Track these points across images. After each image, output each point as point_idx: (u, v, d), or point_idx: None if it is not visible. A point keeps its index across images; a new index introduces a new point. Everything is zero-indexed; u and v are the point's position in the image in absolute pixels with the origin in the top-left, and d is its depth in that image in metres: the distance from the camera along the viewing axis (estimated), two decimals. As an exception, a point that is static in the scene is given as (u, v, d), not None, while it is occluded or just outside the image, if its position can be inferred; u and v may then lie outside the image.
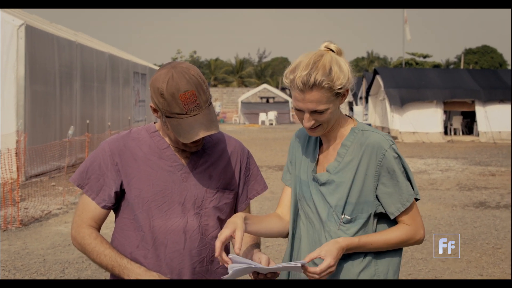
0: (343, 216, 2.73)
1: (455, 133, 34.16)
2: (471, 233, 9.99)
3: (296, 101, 2.70)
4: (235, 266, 2.53)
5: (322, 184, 2.79)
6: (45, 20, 22.56)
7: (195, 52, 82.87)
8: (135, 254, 2.79)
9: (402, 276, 7.48)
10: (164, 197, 2.78)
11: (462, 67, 53.05)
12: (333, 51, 2.73)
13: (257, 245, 2.91)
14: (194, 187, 2.82)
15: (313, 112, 2.69)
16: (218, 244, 2.53)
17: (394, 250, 2.80)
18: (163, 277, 2.66)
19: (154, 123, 2.92)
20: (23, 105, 15.33)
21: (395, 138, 31.30)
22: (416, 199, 2.79)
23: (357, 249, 2.70)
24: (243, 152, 3.01)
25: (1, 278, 7.34)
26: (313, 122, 2.71)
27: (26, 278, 7.38)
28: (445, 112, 33.33)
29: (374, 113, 37.27)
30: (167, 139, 2.84)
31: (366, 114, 38.94)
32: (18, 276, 7.43)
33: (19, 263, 8.03)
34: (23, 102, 15.31)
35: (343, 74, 2.67)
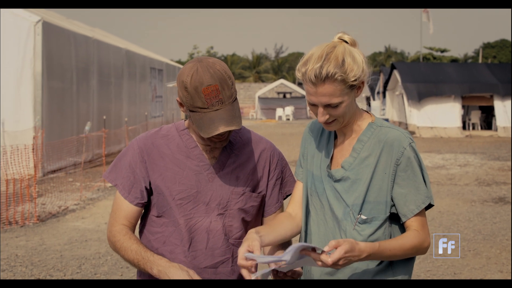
0: (359, 216, 2.62)
1: (473, 128, 33.92)
2: (490, 229, 9.89)
3: (309, 95, 2.59)
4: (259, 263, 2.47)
5: (337, 181, 2.68)
6: (62, 16, 22.62)
7: (212, 47, 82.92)
8: (162, 250, 2.80)
9: (421, 272, 7.42)
10: (189, 196, 2.78)
11: (480, 61, 52.69)
12: (347, 42, 2.62)
13: (283, 246, 2.85)
14: (220, 188, 2.80)
15: (327, 106, 2.57)
16: (241, 262, 2.46)
17: None
18: (184, 268, 2.63)
19: (185, 120, 2.91)
20: (40, 101, 15.38)
21: (412, 133, 31.16)
22: (431, 205, 2.65)
23: (376, 254, 2.51)
24: (274, 154, 2.95)
25: (19, 272, 7.36)
26: (327, 116, 2.60)
27: (43, 273, 7.38)
28: (463, 106, 33.10)
29: (392, 108, 37.12)
30: (194, 137, 2.83)
31: (384, 109, 38.77)
32: (35, 272, 7.44)
33: (36, 259, 8.04)
34: (40, 98, 15.37)
35: (357, 66, 2.55)
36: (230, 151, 2.85)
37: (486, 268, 7.69)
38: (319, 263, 2.38)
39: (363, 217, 2.62)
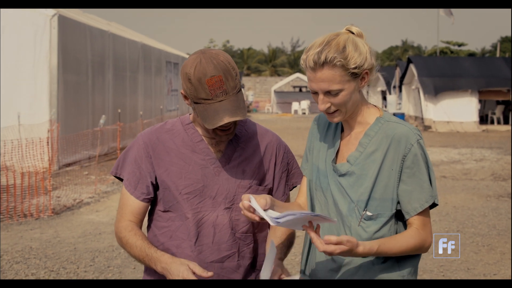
0: (364, 212, 2.58)
1: (497, 122, 33.64)
2: (505, 224, 9.82)
3: (309, 81, 2.56)
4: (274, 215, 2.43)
5: (342, 175, 2.63)
6: (78, 10, 22.69)
7: (228, 41, 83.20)
8: (168, 245, 2.80)
9: (434, 267, 7.38)
10: (196, 191, 2.77)
11: (498, 55, 52.29)
12: (353, 33, 2.58)
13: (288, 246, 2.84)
14: (226, 182, 2.79)
15: (327, 93, 2.53)
16: (244, 205, 2.47)
17: None
18: (185, 263, 2.61)
19: (190, 114, 2.89)
20: (56, 95, 15.45)
21: (428, 127, 31.04)
22: (435, 205, 2.62)
23: (373, 255, 2.52)
24: (280, 147, 2.93)
25: (33, 265, 7.40)
26: (328, 105, 2.55)
27: (57, 266, 7.42)
28: (480, 101, 32.91)
29: (408, 103, 36.92)
30: (200, 130, 2.82)
31: (400, 104, 38.57)
32: (49, 264, 7.48)
33: (50, 252, 8.08)
34: (56, 91, 15.44)
35: (359, 54, 2.50)
36: (236, 144, 2.83)
37: (500, 264, 7.65)
38: (316, 244, 2.38)
39: (369, 213, 2.58)
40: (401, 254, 2.57)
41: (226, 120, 2.58)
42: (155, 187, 2.82)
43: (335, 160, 2.70)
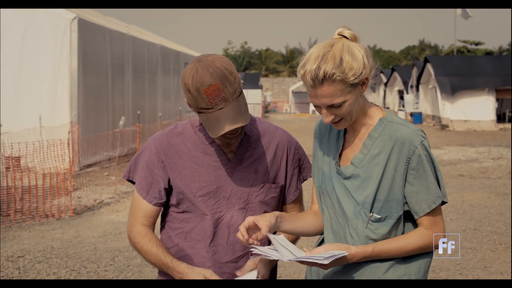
0: (371, 214, 2.55)
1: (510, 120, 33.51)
2: (522, 222, 9.84)
3: (310, 97, 2.52)
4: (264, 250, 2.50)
5: (346, 178, 2.61)
6: (98, 13, 22.87)
7: (246, 42, 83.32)
8: (182, 246, 2.84)
9: (451, 266, 7.42)
10: (210, 193, 2.79)
11: (516, 53, 51.91)
12: (347, 38, 2.50)
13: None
14: (239, 182, 2.81)
15: (330, 107, 2.48)
16: (241, 227, 2.51)
17: None
18: (201, 273, 2.65)
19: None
20: (77, 97, 15.64)
21: (446, 126, 30.95)
22: (444, 202, 2.59)
23: (371, 258, 2.54)
24: (291, 144, 2.93)
25: (54, 264, 7.54)
26: (332, 116, 2.51)
27: (78, 265, 7.56)
28: (497, 99, 32.77)
29: (425, 102, 36.84)
30: None
31: (417, 103, 38.48)
32: (70, 264, 7.61)
33: (71, 251, 8.22)
34: (76, 94, 15.63)
35: (357, 63, 2.44)
36: (247, 144, 2.84)
37: (517, 262, 7.67)
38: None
39: (376, 215, 2.56)
40: (405, 254, 2.58)
41: (227, 128, 2.57)
42: (168, 191, 2.84)
43: (338, 162, 2.68)
